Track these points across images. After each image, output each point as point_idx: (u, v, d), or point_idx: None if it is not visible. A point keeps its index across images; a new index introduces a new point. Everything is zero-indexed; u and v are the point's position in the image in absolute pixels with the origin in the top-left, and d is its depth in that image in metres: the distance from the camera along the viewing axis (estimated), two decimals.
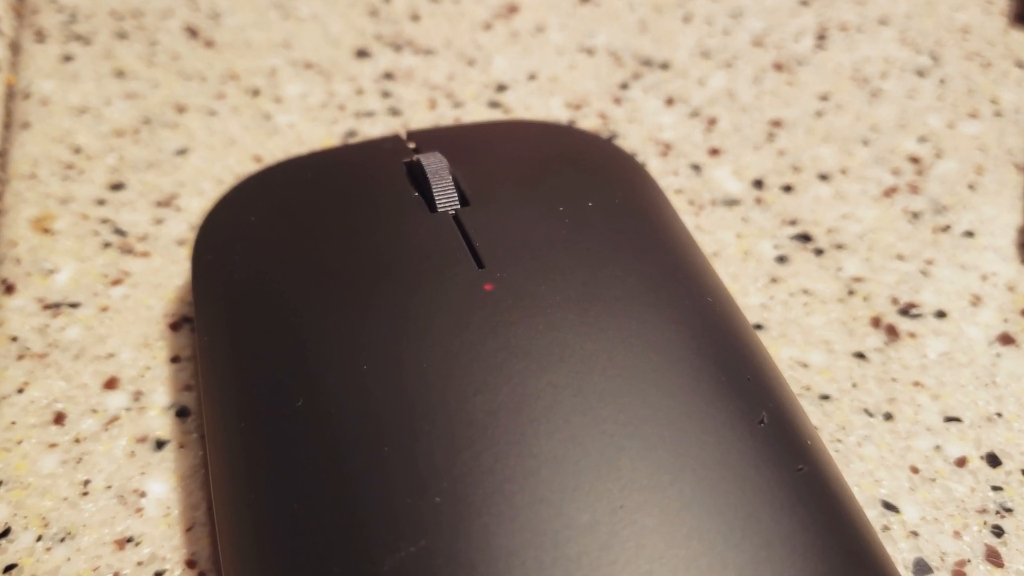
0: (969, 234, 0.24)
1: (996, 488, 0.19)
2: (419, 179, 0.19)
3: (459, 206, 0.19)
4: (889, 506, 0.19)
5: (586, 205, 0.19)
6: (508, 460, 0.14)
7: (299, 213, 0.19)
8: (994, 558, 0.18)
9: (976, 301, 0.22)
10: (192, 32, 0.30)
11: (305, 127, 0.27)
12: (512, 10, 0.31)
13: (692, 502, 0.14)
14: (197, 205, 0.24)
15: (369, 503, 0.14)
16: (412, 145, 0.21)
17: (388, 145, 0.21)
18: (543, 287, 0.17)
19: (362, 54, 0.29)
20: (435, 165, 0.19)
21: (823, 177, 0.26)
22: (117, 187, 0.25)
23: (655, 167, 0.26)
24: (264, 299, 0.18)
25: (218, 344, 0.18)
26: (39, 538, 0.18)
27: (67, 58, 0.29)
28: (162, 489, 0.19)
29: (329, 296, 0.17)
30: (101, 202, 0.24)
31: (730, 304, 0.18)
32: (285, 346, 0.17)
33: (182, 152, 0.26)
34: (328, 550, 0.14)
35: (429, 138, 0.21)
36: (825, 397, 0.21)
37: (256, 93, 0.28)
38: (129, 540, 0.18)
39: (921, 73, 0.29)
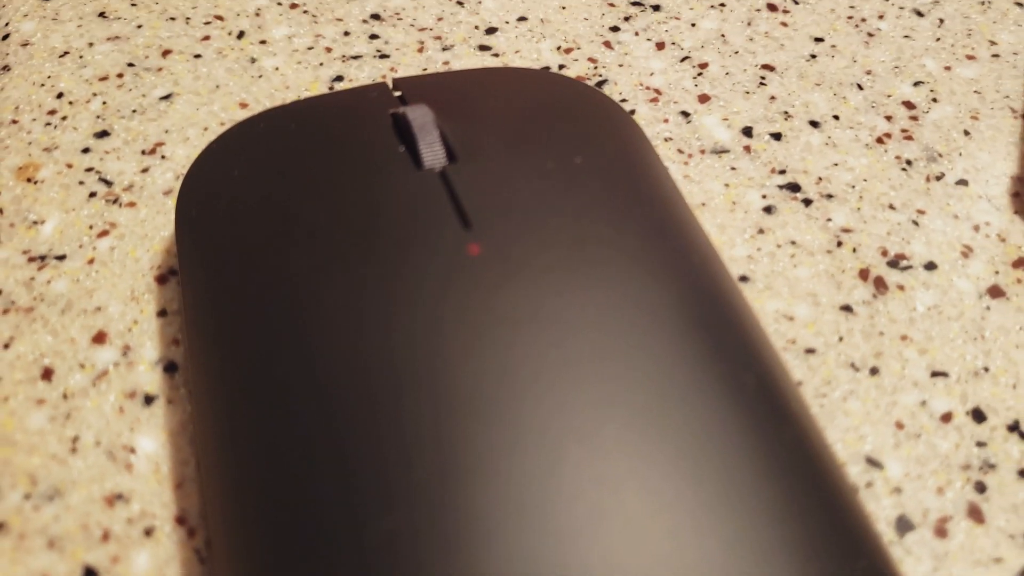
0: (962, 182, 0.24)
1: (980, 444, 0.19)
2: (405, 133, 0.19)
3: (446, 162, 0.18)
4: (873, 462, 0.19)
5: (574, 161, 0.19)
6: (491, 430, 0.14)
7: (282, 167, 0.19)
8: (976, 515, 0.18)
9: (967, 252, 0.22)
10: None
11: (291, 71, 0.26)
12: None
13: (675, 472, 0.14)
14: (183, 153, 0.24)
15: (353, 469, 0.14)
16: (398, 93, 0.21)
17: (374, 94, 0.21)
18: (530, 249, 0.17)
19: None
20: (421, 119, 0.19)
21: (814, 124, 0.25)
22: (102, 135, 0.24)
23: (645, 114, 0.25)
24: (247, 258, 0.18)
25: (202, 303, 0.18)
26: (27, 496, 0.18)
27: None
28: (152, 445, 0.19)
29: (311, 257, 0.17)
30: (86, 150, 0.24)
31: (715, 261, 0.18)
32: (267, 307, 0.17)
33: (167, 98, 0.25)
34: (313, 515, 0.14)
35: (415, 86, 0.21)
36: (810, 351, 0.21)
37: (241, 35, 0.27)
38: (119, 497, 0.18)
39: (920, 12, 0.28)
